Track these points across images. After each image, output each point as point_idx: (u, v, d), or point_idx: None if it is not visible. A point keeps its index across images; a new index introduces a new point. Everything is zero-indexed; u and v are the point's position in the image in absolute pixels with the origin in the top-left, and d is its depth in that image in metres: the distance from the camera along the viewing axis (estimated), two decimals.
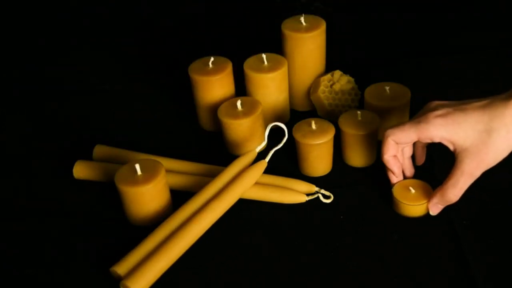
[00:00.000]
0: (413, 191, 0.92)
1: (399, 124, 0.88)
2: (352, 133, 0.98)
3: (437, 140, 0.84)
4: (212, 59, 1.08)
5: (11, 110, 1.23)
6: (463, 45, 1.28)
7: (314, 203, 0.94)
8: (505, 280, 0.83)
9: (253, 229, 0.93)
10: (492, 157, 0.82)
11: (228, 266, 0.88)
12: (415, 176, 0.95)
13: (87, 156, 1.06)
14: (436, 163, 1.00)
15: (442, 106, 0.85)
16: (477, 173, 0.83)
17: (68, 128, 1.16)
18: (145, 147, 1.07)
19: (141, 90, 1.25)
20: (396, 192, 0.93)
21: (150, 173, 0.92)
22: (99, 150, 1.06)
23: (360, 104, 1.11)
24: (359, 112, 1.00)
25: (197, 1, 1.50)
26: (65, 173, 1.04)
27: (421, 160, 0.97)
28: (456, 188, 0.85)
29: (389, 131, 0.88)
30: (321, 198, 0.95)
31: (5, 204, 1.02)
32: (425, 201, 0.91)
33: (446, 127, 0.83)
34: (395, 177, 0.93)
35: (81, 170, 1.03)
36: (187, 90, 1.12)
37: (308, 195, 0.96)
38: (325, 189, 0.97)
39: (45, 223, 0.97)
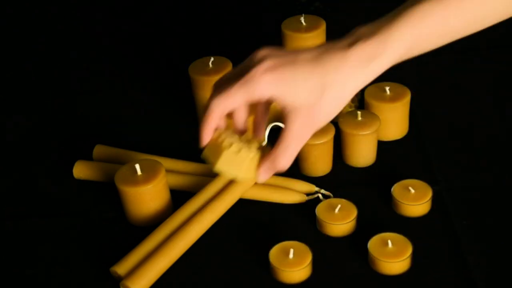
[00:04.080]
0: (413, 191, 0.92)
1: (223, 90, 0.73)
2: (352, 133, 0.98)
3: (266, 98, 0.72)
4: (212, 59, 1.08)
5: (11, 110, 1.23)
6: (463, 45, 1.27)
7: (314, 203, 0.94)
8: (505, 280, 0.83)
9: (253, 229, 0.93)
10: (323, 117, 0.72)
11: (228, 266, 0.88)
12: (415, 176, 0.95)
13: (87, 156, 1.06)
14: (436, 163, 1.00)
15: (270, 57, 0.72)
16: (308, 136, 0.74)
17: (68, 128, 1.16)
18: (145, 147, 1.07)
19: (141, 90, 1.25)
20: (396, 192, 0.93)
21: (150, 173, 0.92)
22: (99, 150, 1.06)
23: (360, 104, 1.11)
24: (359, 112, 1.00)
25: (197, 1, 1.50)
26: (65, 173, 1.04)
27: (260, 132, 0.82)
28: (286, 155, 0.74)
29: (214, 102, 0.73)
30: (321, 198, 0.95)
31: (5, 204, 1.02)
32: (425, 201, 0.91)
33: (274, 84, 0.70)
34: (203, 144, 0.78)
35: (81, 170, 1.03)
36: (187, 90, 1.12)
37: (308, 195, 0.96)
38: (325, 189, 0.97)
39: (45, 223, 0.97)
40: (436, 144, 1.04)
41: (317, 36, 1.07)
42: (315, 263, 0.86)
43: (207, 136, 0.76)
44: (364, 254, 0.86)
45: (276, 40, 1.11)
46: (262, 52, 0.73)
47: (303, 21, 1.08)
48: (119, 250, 0.89)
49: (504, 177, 0.97)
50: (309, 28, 1.07)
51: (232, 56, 1.11)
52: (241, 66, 0.75)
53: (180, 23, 1.44)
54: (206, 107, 0.74)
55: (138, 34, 1.42)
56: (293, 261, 0.85)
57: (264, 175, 0.77)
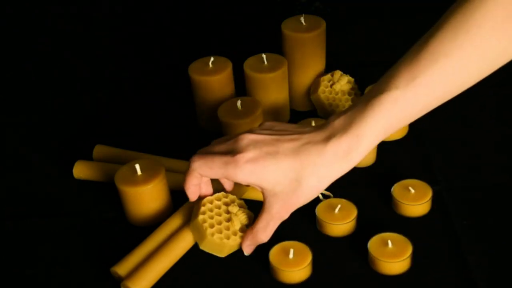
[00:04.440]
0: (413, 191, 0.92)
1: (208, 156, 0.81)
2: None
3: (245, 184, 0.80)
4: (212, 59, 1.08)
5: (11, 110, 1.23)
6: None
7: (314, 203, 0.94)
8: (505, 280, 0.83)
9: None
10: (301, 202, 0.79)
11: (228, 266, 0.88)
12: (415, 176, 0.95)
13: (87, 156, 1.06)
14: (436, 163, 1.00)
15: (254, 146, 0.79)
16: (286, 216, 0.81)
17: (68, 128, 1.16)
18: (145, 147, 1.07)
19: (141, 90, 1.25)
20: (396, 192, 0.93)
21: (150, 173, 0.92)
22: (99, 150, 1.06)
23: None
24: None
25: (197, 1, 1.50)
26: (65, 173, 1.04)
27: (229, 189, 0.89)
28: (266, 231, 0.82)
29: (196, 164, 0.82)
30: (321, 198, 0.95)
31: (5, 204, 1.02)
32: (425, 201, 0.91)
33: (255, 174, 0.78)
34: (191, 199, 0.87)
35: (81, 170, 1.03)
36: (187, 90, 1.12)
37: None
38: (325, 189, 0.97)
39: (45, 223, 0.97)
40: (436, 144, 1.04)
41: (317, 36, 1.07)
42: (315, 263, 0.86)
43: (190, 191, 0.85)
44: (364, 254, 0.86)
45: (276, 40, 1.11)
46: (247, 140, 0.80)
47: (303, 21, 1.08)
48: (119, 250, 0.89)
49: (504, 177, 0.97)
50: (309, 28, 1.07)
51: (232, 56, 1.11)
52: (227, 144, 0.81)
53: (180, 23, 1.44)
54: (189, 164, 0.83)
55: (138, 34, 1.42)
56: (293, 261, 0.85)
57: (247, 250, 0.85)
